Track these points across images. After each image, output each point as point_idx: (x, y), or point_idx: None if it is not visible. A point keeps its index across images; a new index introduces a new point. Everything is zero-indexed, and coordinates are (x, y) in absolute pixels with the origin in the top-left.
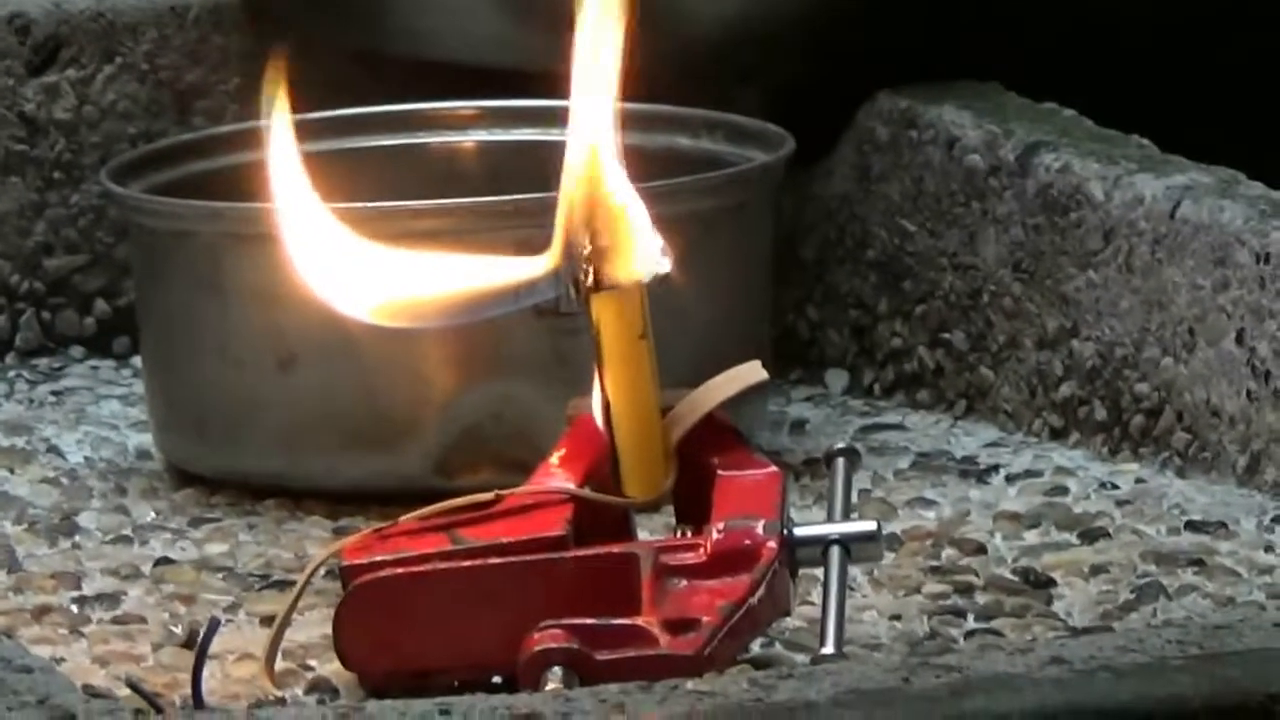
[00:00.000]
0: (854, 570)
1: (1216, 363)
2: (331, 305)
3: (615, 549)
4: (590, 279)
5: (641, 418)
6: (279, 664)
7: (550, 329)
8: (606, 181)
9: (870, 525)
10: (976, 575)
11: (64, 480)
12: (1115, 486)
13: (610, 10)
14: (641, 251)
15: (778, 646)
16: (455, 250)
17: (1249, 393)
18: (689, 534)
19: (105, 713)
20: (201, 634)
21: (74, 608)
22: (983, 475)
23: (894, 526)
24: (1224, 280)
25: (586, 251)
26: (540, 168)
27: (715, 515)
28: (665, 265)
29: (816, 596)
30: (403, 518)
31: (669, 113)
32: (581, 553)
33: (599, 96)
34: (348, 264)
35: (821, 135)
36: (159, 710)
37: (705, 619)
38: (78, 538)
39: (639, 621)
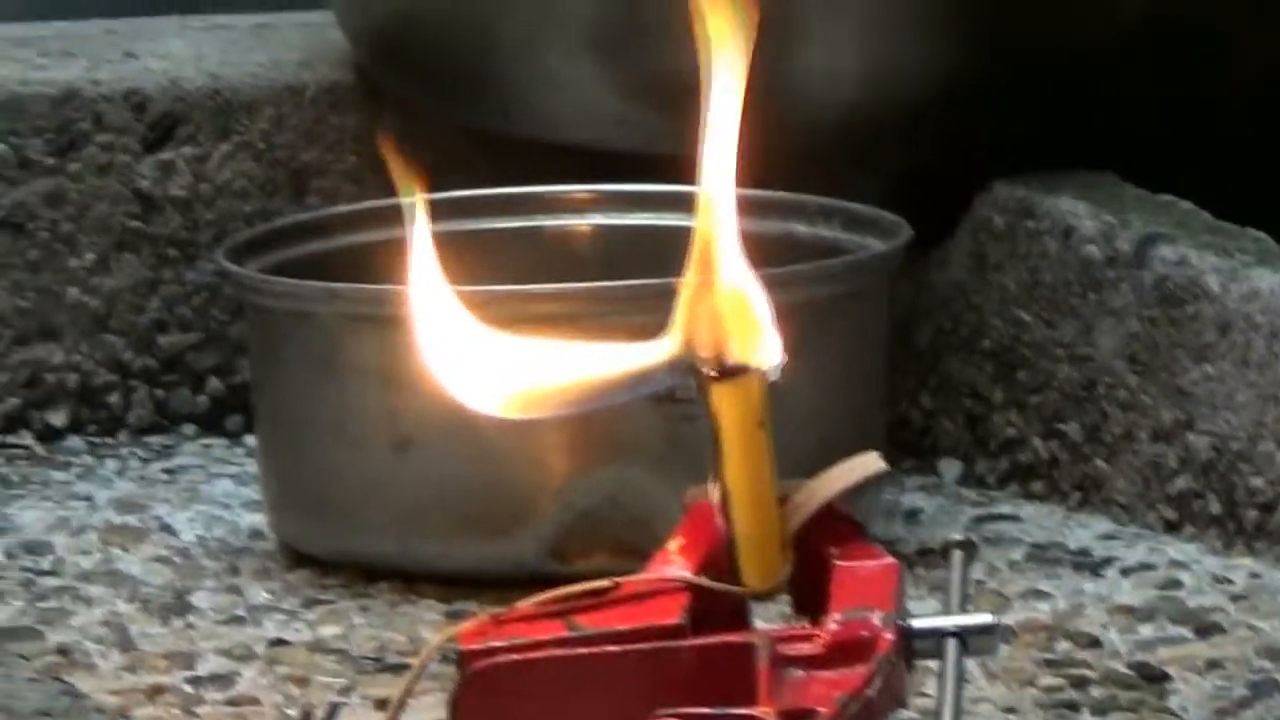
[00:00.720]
0: (969, 662)
1: None
2: (458, 398)
3: (732, 638)
4: (710, 368)
5: (759, 506)
6: None
7: (666, 415)
8: (728, 269)
9: (987, 618)
10: (1091, 669)
11: (177, 559)
12: (1230, 581)
13: (733, 96)
14: (763, 341)
15: None
16: (571, 336)
17: None
18: (806, 624)
19: None
20: (322, 717)
21: (188, 688)
22: (1097, 568)
23: (1008, 618)
24: None
25: (707, 340)
26: (656, 252)
27: (832, 606)
28: (782, 360)
29: (931, 688)
30: (519, 603)
31: (786, 199)
32: (698, 642)
33: (722, 182)
34: (473, 355)
35: (938, 223)
36: None
37: (822, 710)
38: (191, 617)
39: (755, 712)
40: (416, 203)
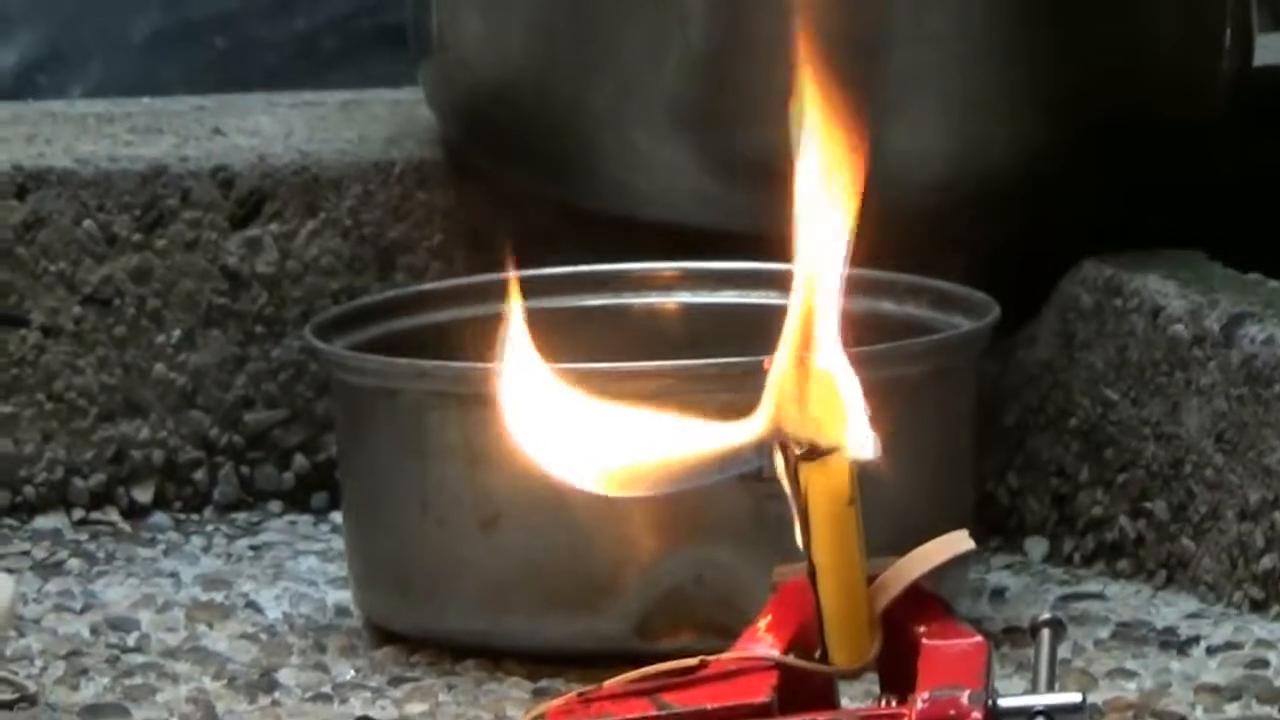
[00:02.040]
0: None
1: None
2: (552, 474)
3: (820, 717)
4: (800, 447)
5: (848, 585)
6: None
7: (753, 494)
8: (820, 348)
9: (1075, 698)
10: None
11: (263, 636)
12: None
13: (837, 176)
14: (853, 425)
15: None
16: (657, 413)
17: None
18: (893, 703)
19: None
20: None
21: None
22: (1183, 646)
23: (1095, 697)
24: None
25: (797, 419)
26: (742, 330)
27: (920, 684)
28: (875, 449)
29: None
30: (607, 681)
31: (873, 277)
32: None
33: (825, 262)
34: (567, 430)
35: (1026, 301)
36: None
37: None
38: (277, 694)
39: None
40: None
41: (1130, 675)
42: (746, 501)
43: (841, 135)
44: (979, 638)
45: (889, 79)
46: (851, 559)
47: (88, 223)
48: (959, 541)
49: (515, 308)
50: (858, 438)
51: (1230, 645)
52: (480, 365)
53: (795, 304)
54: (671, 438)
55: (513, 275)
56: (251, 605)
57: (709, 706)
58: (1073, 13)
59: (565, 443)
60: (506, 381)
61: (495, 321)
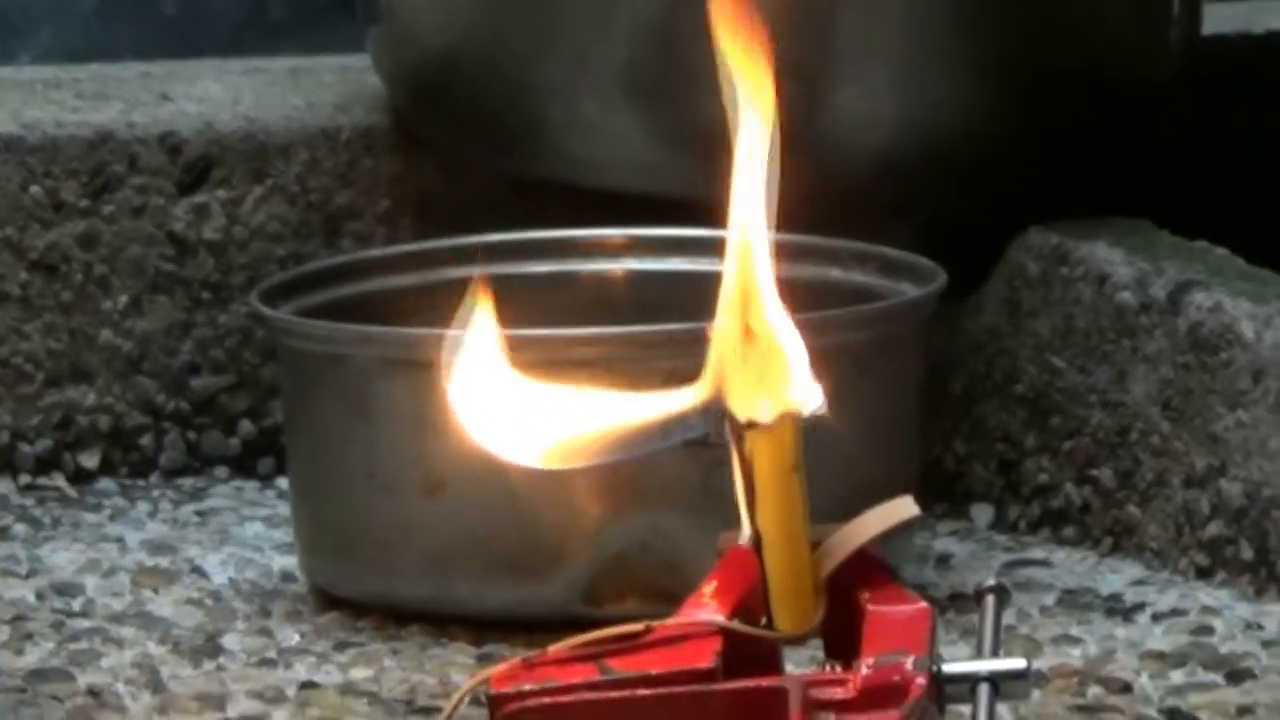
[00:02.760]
0: (1001, 707)
1: None
2: (492, 451)
3: (764, 683)
4: (744, 414)
5: (792, 551)
6: None
7: (698, 460)
8: (763, 314)
9: (1020, 663)
10: (1122, 714)
11: (208, 601)
12: (1261, 627)
13: (766, 142)
14: (798, 387)
15: None
16: (605, 379)
17: None
18: (838, 669)
19: None
20: None
21: None
22: (1128, 613)
23: (1040, 663)
24: None
25: (741, 386)
26: (690, 297)
27: (865, 650)
28: (820, 403)
29: None
30: (551, 647)
31: (821, 244)
32: (730, 686)
33: (755, 227)
34: (506, 405)
35: (972, 269)
36: None
37: None
38: (222, 659)
39: None
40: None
41: (1075, 642)
42: (692, 468)
43: (765, 93)
44: (924, 604)
45: (835, 45)
46: (796, 525)
47: (35, 188)
48: (904, 508)
49: (483, 306)
50: (803, 401)
51: (1176, 612)
52: (427, 331)
53: (730, 270)
54: (615, 407)
55: (446, 243)
56: (197, 570)
57: (653, 672)
58: None
59: (507, 416)
60: (453, 357)
61: (441, 288)
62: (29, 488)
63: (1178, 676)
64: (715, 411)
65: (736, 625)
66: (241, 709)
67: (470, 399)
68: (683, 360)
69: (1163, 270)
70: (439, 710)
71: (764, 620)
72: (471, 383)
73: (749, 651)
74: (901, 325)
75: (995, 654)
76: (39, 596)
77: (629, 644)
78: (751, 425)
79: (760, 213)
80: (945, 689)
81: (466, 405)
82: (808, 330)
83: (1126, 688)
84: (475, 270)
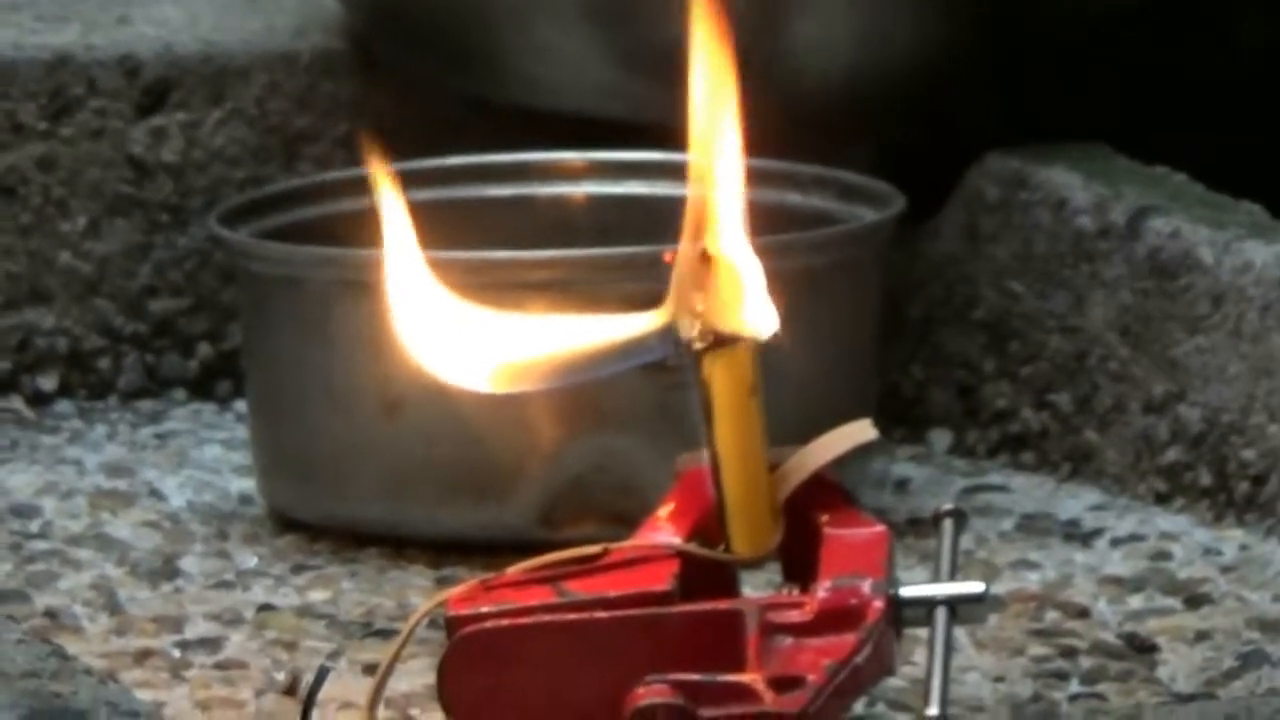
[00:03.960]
0: (958, 631)
1: None
2: (444, 378)
3: (721, 605)
4: (701, 337)
5: (750, 474)
6: (381, 713)
7: (655, 383)
8: (722, 238)
9: (978, 587)
10: (1080, 639)
11: (165, 524)
12: (1220, 553)
13: (725, 65)
14: (755, 310)
15: (881, 706)
16: (564, 302)
17: None
18: (795, 592)
19: None
20: (311, 681)
21: (176, 652)
22: (1087, 539)
23: (997, 588)
24: None
25: (699, 309)
26: (649, 221)
27: (822, 573)
28: (774, 326)
29: (920, 657)
30: (509, 569)
31: (779, 169)
32: (687, 608)
33: (718, 151)
34: (455, 333)
35: (931, 194)
36: None
37: (810, 677)
38: (179, 581)
39: (744, 679)
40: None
41: (1033, 566)
42: (649, 391)
43: (721, 23)
44: (881, 527)
45: None
46: (753, 448)
47: None
48: (862, 431)
49: (392, 201)
50: (760, 325)
51: (1134, 537)
52: (384, 253)
53: (693, 194)
54: (572, 330)
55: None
56: (155, 493)
57: (610, 594)
58: None
59: (457, 341)
60: (392, 281)
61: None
62: None
63: (1136, 601)
64: (673, 334)
65: (693, 548)
66: (199, 631)
67: (415, 324)
68: (641, 283)
69: (1122, 195)
70: (396, 632)
71: (721, 543)
72: (414, 307)
73: (706, 574)
74: (860, 250)
75: (953, 578)
76: None
77: (586, 566)
78: (709, 348)
79: (723, 136)
80: (903, 612)
81: (413, 330)
82: (766, 254)
83: (1084, 613)
84: (433, 193)
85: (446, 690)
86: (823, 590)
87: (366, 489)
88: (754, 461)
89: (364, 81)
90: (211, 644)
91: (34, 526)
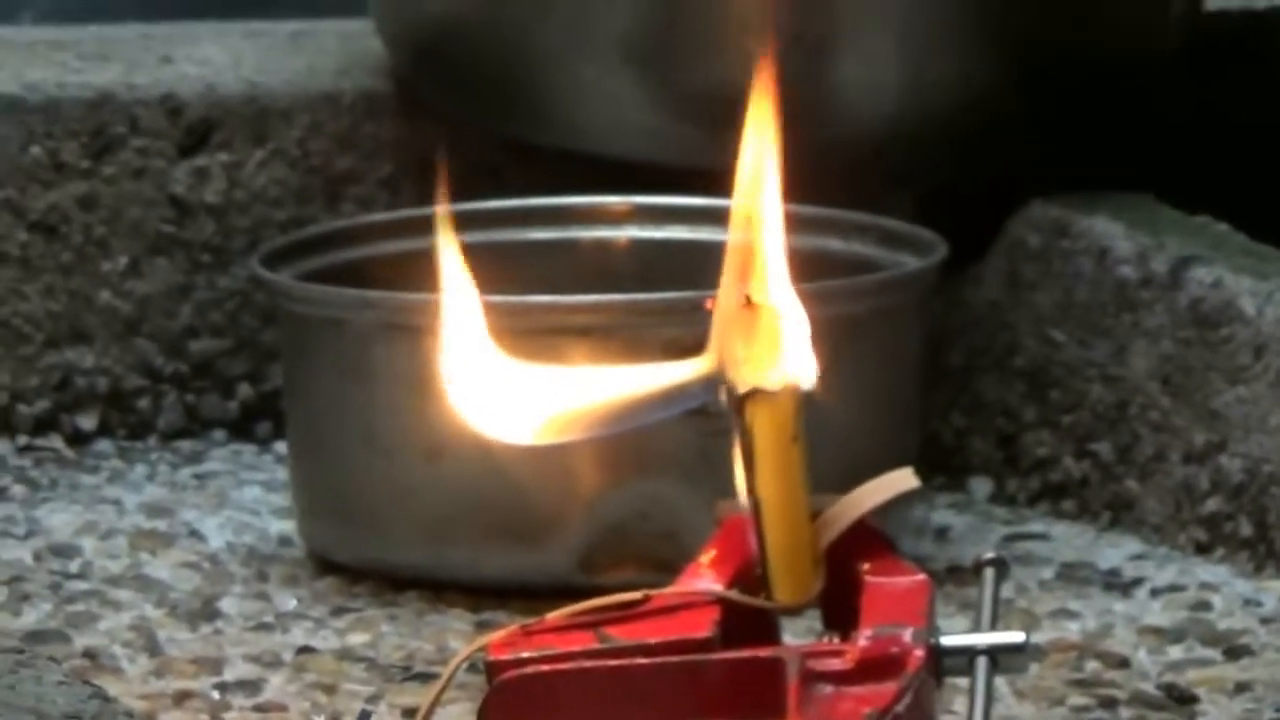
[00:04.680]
0: (998, 680)
1: None
2: (490, 433)
3: (762, 653)
4: (743, 384)
5: (792, 521)
6: None
7: (697, 429)
8: (765, 284)
9: (1019, 637)
10: (1120, 689)
11: (205, 565)
12: (1260, 604)
13: (769, 109)
14: (797, 357)
15: None
16: (605, 346)
17: None
18: (836, 640)
19: None
20: None
21: (215, 694)
22: (1127, 588)
23: (1038, 637)
24: None
25: (741, 355)
26: (691, 266)
27: (863, 622)
28: (816, 373)
29: (960, 706)
30: (549, 614)
31: (821, 215)
32: (728, 656)
33: (764, 198)
34: (499, 386)
35: (973, 241)
36: None
37: None
38: (219, 623)
39: None
40: (446, 223)
41: (1073, 616)
42: (691, 437)
43: (768, 67)
44: (922, 576)
45: (839, 12)
46: (795, 495)
47: (35, 149)
48: (903, 479)
49: (450, 244)
50: (802, 372)
51: (1174, 588)
52: (426, 296)
53: (735, 239)
54: (616, 378)
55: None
56: (194, 534)
57: (651, 641)
58: None
59: (501, 395)
60: (444, 329)
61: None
62: (27, 449)
63: (1176, 652)
64: (716, 381)
65: (734, 595)
66: (238, 673)
67: (461, 377)
68: (683, 329)
69: (1164, 245)
70: (436, 676)
71: (762, 591)
72: (462, 360)
73: (747, 622)
74: (902, 297)
75: (993, 627)
76: (36, 558)
77: (627, 613)
78: (752, 395)
79: (769, 182)
80: (943, 661)
81: (458, 384)
82: (808, 300)
83: (1124, 663)
84: (476, 237)
85: None
86: (864, 639)
87: (407, 532)
88: (796, 509)
89: (407, 123)
90: (251, 686)
91: (74, 567)
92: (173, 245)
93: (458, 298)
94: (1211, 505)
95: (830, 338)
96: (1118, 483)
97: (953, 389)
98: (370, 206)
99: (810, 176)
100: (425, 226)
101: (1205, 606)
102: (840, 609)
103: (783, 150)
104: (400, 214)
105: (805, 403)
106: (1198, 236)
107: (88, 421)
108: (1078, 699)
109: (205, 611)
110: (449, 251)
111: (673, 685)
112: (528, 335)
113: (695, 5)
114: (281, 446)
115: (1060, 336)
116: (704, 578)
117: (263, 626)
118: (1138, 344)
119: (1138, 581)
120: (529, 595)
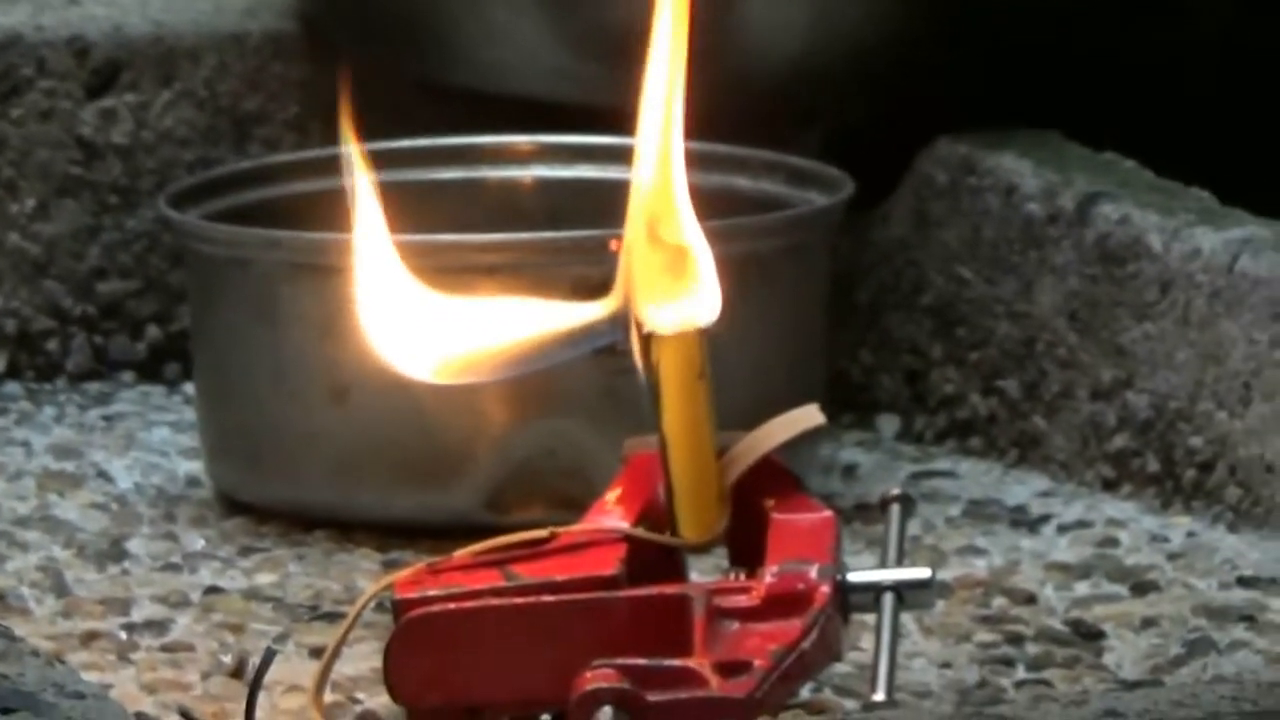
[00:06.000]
0: (905, 617)
1: (1272, 418)
2: (395, 368)
3: (668, 590)
4: (649, 322)
5: (698, 458)
6: (327, 696)
7: (604, 367)
8: (670, 222)
9: (924, 573)
10: (1027, 625)
11: (113, 506)
12: (1167, 540)
13: (678, 48)
14: (703, 294)
15: (828, 692)
16: (512, 285)
17: None
18: (742, 576)
19: None
20: (258, 664)
21: (123, 634)
22: (1034, 525)
23: (944, 574)
24: None
25: (647, 293)
26: (599, 205)
27: (769, 558)
28: (721, 310)
29: (866, 642)
30: (456, 553)
31: (728, 153)
32: (634, 593)
33: (666, 135)
34: (409, 320)
35: (880, 179)
36: None
37: (757, 662)
38: (127, 564)
39: (690, 663)
40: (356, 155)
41: (980, 552)
42: (598, 375)
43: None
44: (828, 512)
45: None
46: (701, 433)
47: None
48: (810, 416)
49: (364, 182)
50: (707, 309)
51: (1081, 524)
52: (333, 236)
53: (640, 177)
54: (522, 318)
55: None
56: (102, 475)
57: (557, 578)
58: None
59: (409, 330)
60: (358, 261)
61: (349, 194)
62: None
63: (1082, 588)
64: (623, 320)
65: (640, 532)
66: (146, 613)
67: (375, 311)
68: (590, 267)
69: (1071, 181)
70: (343, 616)
71: (668, 528)
72: (377, 294)
73: (653, 559)
74: (809, 234)
75: (900, 563)
76: None
77: (534, 550)
78: (657, 333)
79: (672, 120)
80: (850, 598)
81: (372, 318)
82: (714, 238)
83: (1031, 599)
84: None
85: (392, 673)
86: (770, 575)
87: (314, 472)
88: (702, 446)
89: (314, 63)
90: (158, 626)
91: None
92: (80, 187)
93: (369, 236)
94: (1118, 442)
95: (737, 275)
96: (1025, 420)
97: (860, 327)
98: (277, 147)
99: (717, 114)
100: (332, 167)
101: (1112, 543)
102: (746, 546)
103: (689, 88)
104: (307, 154)
105: (711, 340)
106: (1105, 173)
107: None
108: (984, 635)
109: (113, 552)
110: (361, 189)
111: (579, 623)
112: (435, 274)
113: None
114: (190, 388)
115: (967, 274)
116: (610, 515)
117: (170, 567)
118: (1045, 281)
119: (1045, 518)
120: (437, 534)
